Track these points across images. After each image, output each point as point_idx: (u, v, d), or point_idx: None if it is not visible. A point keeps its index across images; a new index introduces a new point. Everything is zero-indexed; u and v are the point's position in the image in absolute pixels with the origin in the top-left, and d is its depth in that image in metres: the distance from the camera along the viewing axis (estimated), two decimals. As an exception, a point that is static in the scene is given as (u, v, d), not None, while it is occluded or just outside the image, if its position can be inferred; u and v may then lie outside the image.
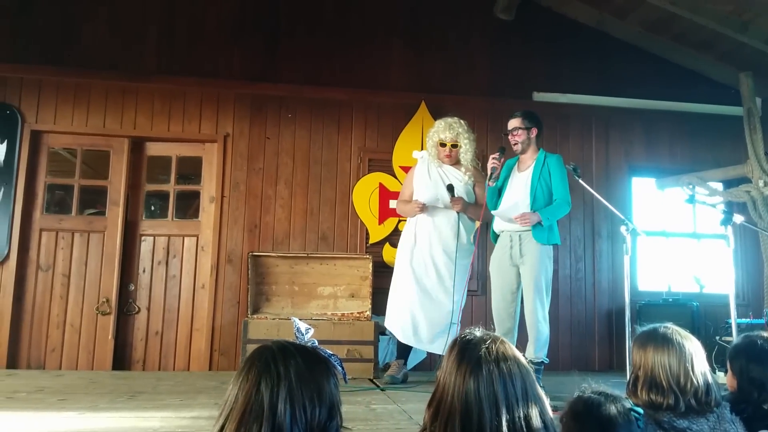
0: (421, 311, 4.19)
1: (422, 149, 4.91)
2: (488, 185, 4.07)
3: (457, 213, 4.25)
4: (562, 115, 5.80)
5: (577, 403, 1.44)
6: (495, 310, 4.08)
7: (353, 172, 5.47)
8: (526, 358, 3.88)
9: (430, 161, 4.43)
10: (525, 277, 4.00)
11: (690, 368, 1.76)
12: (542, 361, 3.94)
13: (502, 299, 4.06)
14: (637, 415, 1.42)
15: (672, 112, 5.94)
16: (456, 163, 4.41)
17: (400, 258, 4.38)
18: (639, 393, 1.82)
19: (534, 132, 4.09)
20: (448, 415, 1.29)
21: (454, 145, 4.36)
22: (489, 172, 4.05)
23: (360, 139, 5.53)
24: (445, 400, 1.31)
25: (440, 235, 4.27)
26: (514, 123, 4.12)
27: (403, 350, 4.36)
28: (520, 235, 4.02)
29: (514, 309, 4.06)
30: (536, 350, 3.91)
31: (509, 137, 4.14)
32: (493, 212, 4.05)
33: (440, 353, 4.18)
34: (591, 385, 1.47)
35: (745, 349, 2.08)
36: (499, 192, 4.15)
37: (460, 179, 4.35)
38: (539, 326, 3.92)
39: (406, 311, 4.21)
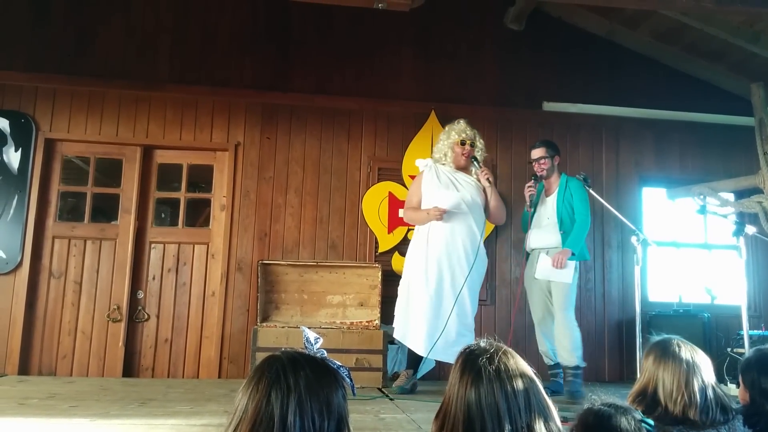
0: (436, 321, 4.11)
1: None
2: (526, 210, 4.41)
3: (473, 218, 4.26)
4: (573, 125, 5.79)
5: (588, 415, 1.43)
6: (537, 326, 4.43)
7: (363, 181, 5.48)
8: (564, 365, 4.08)
9: (437, 168, 4.41)
10: (555, 290, 4.28)
11: (685, 383, 1.77)
12: (577, 365, 4.15)
13: (543, 316, 4.38)
14: (648, 427, 1.41)
15: (683, 122, 5.92)
16: (465, 168, 4.42)
17: (412, 267, 4.29)
18: (632, 402, 1.82)
19: (557, 159, 4.50)
20: (452, 427, 1.29)
21: (473, 144, 4.39)
22: (528, 200, 4.36)
23: (370, 148, 5.54)
24: (450, 411, 1.31)
25: (456, 242, 4.21)
26: (539, 153, 4.44)
27: (413, 360, 4.31)
28: (549, 252, 4.30)
29: (552, 321, 4.34)
30: (572, 354, 4.15)
31: (534, 166, 4.45)
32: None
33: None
34: (601, 397, 1.47)
35: (758, 362, 2.08)
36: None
37: (472, 183, 4.36)
38: (572, 333, 4.18)
39: (421, 322, 4.13)
